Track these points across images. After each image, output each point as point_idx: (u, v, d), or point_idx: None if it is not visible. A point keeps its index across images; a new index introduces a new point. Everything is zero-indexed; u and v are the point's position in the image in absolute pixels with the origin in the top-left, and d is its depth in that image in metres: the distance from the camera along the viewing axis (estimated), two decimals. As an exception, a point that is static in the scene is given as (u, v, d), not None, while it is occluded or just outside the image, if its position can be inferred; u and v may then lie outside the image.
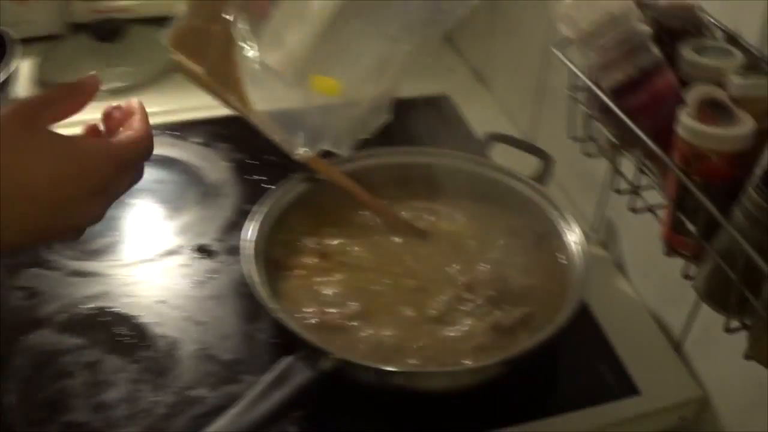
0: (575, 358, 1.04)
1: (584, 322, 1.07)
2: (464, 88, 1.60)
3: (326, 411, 0.95)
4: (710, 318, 0.92)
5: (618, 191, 0.89)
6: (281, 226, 1.08)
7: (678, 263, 0.95)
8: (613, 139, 0.87)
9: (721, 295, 0.74)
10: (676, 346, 1.05)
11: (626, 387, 1.00)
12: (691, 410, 1.00)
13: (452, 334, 0.96)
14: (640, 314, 1.11)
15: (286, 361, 0.87)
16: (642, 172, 0.86)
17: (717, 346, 0.97)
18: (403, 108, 1.08)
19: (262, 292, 0.94)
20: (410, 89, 1.36)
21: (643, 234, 1.10)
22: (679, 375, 1.02)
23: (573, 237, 1.06)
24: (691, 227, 0.76)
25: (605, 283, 1.14)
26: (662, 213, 0.84)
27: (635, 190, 0.87)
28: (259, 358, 1.00)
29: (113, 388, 0.95)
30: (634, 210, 0.88)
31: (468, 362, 0.92)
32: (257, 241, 1.02)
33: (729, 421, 0.97)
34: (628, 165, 0.91)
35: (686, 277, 0.79)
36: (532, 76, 1.38)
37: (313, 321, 0.96)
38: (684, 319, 1.03)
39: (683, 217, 0.77)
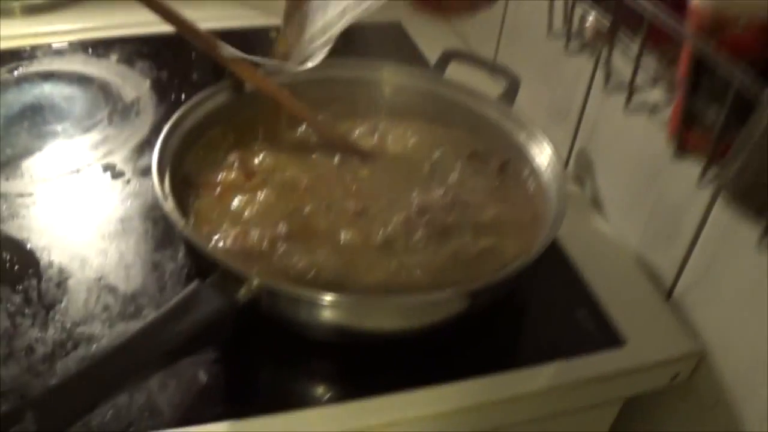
0: (548, 303, 0.89)
1: (558, 264, 0.92)
2: (417, 16, 1.43)
3: (244, 354, 0.80)
4: (708, 257, 0.79)
5: (608, 89, 0.73)
6: (198, 139, 0.91)
7: (667, 197, 0.82)
8: (605, 21, 0.71)
9: (755, 195, 0.58)
10: (667, 293, 0.90)
11: (609, 336, 0.85)
12: (686, 367, 0.85)
13: (404, 262, 0.80)
14: (621, 257, 0.96)
15: (193, 286, 0.71)
16: (637, 66, 0.70)
17: (716, 291, 0.83)
18: (350, 35, 0.98)
19: (169, 207, 0.77)
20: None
21: (622, 166, 0.95)
22: (671, 326, 0.87)
23: (544, 160, 0.91)
24: (710, 116, 0.60)
25: (581, 223, 0.99)
26: (667, 110, 0.68)
27: (631, 83, 0.71)
28: (166, 291, 0.84)
29: (-13, 321, 0.79)
30: (628, 107, 0.71)
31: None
32: (169, 155, 0.85)
33: (730, 381, 0.83)
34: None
35: (705, 182, 0.64)
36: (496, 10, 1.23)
37: (229, 242, 0.79)
38: (674, 261, 0.88)
39: (699, 106, 0.61)
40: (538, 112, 1.10)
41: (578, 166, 1.05)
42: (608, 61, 0.75)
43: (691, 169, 0.83)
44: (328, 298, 0.72)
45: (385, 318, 0.77)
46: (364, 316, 0.76)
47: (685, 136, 0.65)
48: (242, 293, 0.71)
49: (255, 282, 0.71)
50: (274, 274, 0.77)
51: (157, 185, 0.80)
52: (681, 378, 0.86)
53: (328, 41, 0.96)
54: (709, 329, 0.85)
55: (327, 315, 0.74)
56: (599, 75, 0.98)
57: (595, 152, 1.02)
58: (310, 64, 0.97)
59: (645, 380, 0.85)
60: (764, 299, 0.76)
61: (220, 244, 0.80)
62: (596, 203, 1.02)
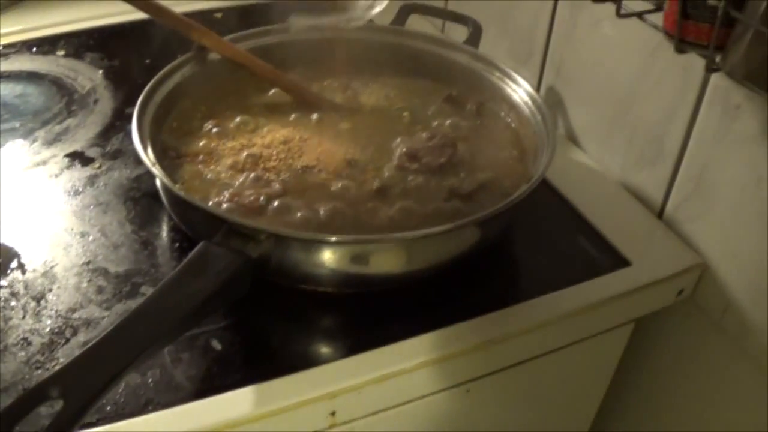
0: (549, 236, 0.88)
1: (550, 198, 0.92)
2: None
3: (255, 317, 0.77)
4: (697, 167, 0.80)
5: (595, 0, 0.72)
6: (170, 112, 0.89)
7: (646, 117, 0.85)
8: None
9: (766, 72, 0.58)
10: (658, 213, 0.90)
11: (613, 259, 0.85)
12: (690, 280, 0.85)
13: (404, 204, 0.79)
14: (608, 185, 0.96)
15: (201, 246, 0.68)
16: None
17: (709, 201, 0.83)
18: (295, 8, 0.96)
19: (160, 172, 0.75)
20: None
21: (594, 97, 0.96)
22: (669, 243, 0.88)
23: (522, 95, 0.90)
24: (711, 0, 0.60)
25: (561, 158, 0.98)
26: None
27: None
28: (160, 267, 0.81)
29: (-26, 319, 0.75)
30: (619, 15, 0.70)
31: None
32: (146, 127, 0.82)
33: (736, 289, 0.83)
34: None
35: (712, 70, 0.63)
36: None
37: (225, 204, 0.77)
38: (662, 180, 0.88)
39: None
40: (500, 57, 1.09)
41: (549, 104, 1.05)
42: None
43: (672, 80, 0.83)
44: (336, 239, 0.70)
45: (393, 259, 0.75)
46: (372, 257, 0.74)
47: (686, 28, 0.64)
48: (251, 247, 0.69)
49: (263, 234, 0.69)
50: (280, 225, 0.75)
51: (143, 155, 0.77)
52: (686, 293, 0.86)
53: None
54: (707, 241, 0.85)
55: (335, 260, 0.73)
56: (561, 11, 0.98)
57: (564, 88, 1.02)
58: (378, 9, 0.95)
59: (653, 298, 0.85)
60: (761, 197, 0.76)
61: (216, 207, 0.77)
62: (572, 138, 1.02)
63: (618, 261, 0.84)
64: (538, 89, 1.05)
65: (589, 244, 0.86)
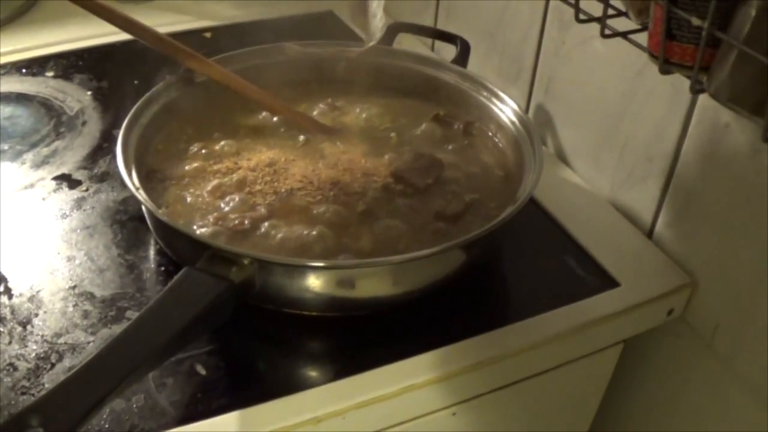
0: (536, 257, 0.88)
1: (538, 218, 0.92)
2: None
3: (239, 342, 0.77)
4: (686, 187, 0.79)
5: (580, 21, 0.72)
6: (157, 134, 0.90)
7: (635, 136, 0.86)
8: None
9: (750, 93, 0.58)
10: (648, 232, 0.90)
11: (601, 280, 0.84)
12: (680, 300, 0.85)
13: (390, 227, 0.79)
14: (597, 204, 0.95)
15: (183, 272, 0.68)
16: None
17: (698, 220, 0.83)
18: (284, 27, 1.01)
19: (144, 197, 0.74)
20: (290, 7, 1.28)
21: (583, 116, 0.95)
22: (659, 262, 0.87)
23: (510, 114, 0.89)
24: (695, 21, 0.59)
25: (550, 177, 0.98)
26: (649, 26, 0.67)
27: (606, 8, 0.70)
28: (146, 291, 0.81)
29: (-41, 346, 0.75)
30: (604, 36, 0.70)
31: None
32: (131, 151, 0.83)
33: (727, 307, 0.83)
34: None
35: (697, 91, 0.63)
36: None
37: (210, 228, 0.76)
38: (651, 199, 0.88)
39: (681, 13, 0.60)
40: (489, 75, 1.09)
41: (538, 123, 1.05)
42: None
43: (660, 99, 0.83)
44: (320, 264, 0.70)
45: (378, 282, 0.75)
46: (358, 281, 0.74)
47: (670, 48, 0.64)
48: (234, 273, 0.68)
49: (246, 259, 0.68)
50: (264, 250, 0.74)
51: (127, 180, 0.77)
52: (676, 313, 0.86)
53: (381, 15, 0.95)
54: (697, 260, 0.85)
55: (319, 284, 0.72)
56: (549, 30, 0.98)
57: (553, 107, 1.02)
58: (378, 35, 0.97)
59: (642, 318, 0.84)
60: (751, 215, 0.76)
61: (201, 231, 0.77)
62: (561, 157, 1.02)
63: (606, 281, 0.84)
64: (527, 107, 1.05)
65: (576, 265, 0.85)
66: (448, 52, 1.04)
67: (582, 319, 0.80)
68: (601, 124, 0.93)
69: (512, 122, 0.89)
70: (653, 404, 0.95)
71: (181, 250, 0.76)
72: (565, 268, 0.85)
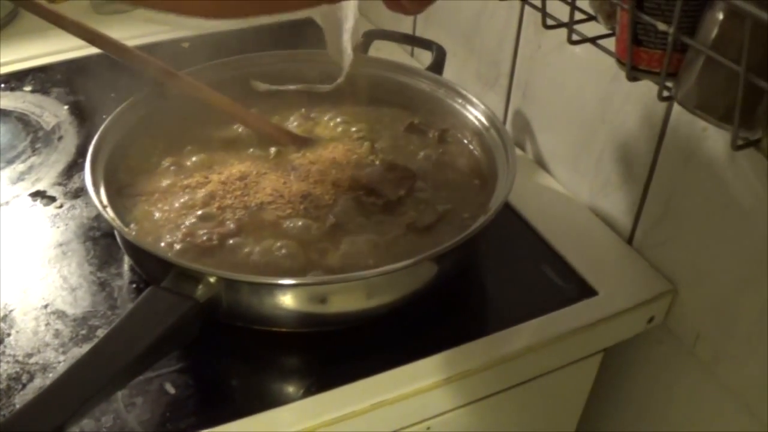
0: (513, 266, 0.87)
1: (515, 226, 0.91)
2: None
3: (209, 359, 0.76)
4: (665, 193, 0.78)
5: (548, 26, 0.71)
6: (129, 150, 0.89)
7: (613, 142, 0.85)
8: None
9: (719, 100, 0.56)
10: (628, 238, 0.89)
11: (579, 288, 0.83)
12: (660, 308, 0.84)
13: (360, 241, 0.78)
14: (576, 210, 0.94)
15: (147, 291, 0.67)
16: None
17: (678, 226, 0.82)
18: (263, 36, 0.99)
19: (111, 215, 0.74)
20: (270, 16, 1.20)
21: (562, 121, 0.94)
22: (638, 269, 0.86)
23: (484, 121, 0.88)
24: (661, 26, 0.58)
25: (528, 183, 0.97)
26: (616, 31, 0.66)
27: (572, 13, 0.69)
28: (117, 309, 0.80)
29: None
30: (571, 42, 0.69)
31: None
32: (101, 168, 0.82)
33: (708, 313, 0.81)
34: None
35: (664, 98, 0.62)
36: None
37: (178, 245, 0.75)
38: (630, 205, 0.87)
39: (647, 18, 0.59)
40: (466, 82, 1.08)
41: (516, 128, 1.04)
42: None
43: (636, 103, 0.82)
44: (287, 282, 0.69)
45: (350, 298, 0.74)
46: (327, 297, 0.73)
47: (637, 54, 0.63)
48: (200, 291, 0.68)
49: (212, 277, 0.68)
50: (231, 267, 0.73)
51: (94, 197, 0.76)
52: (657, 320, 0.85)
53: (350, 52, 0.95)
54: (677, 266, 0.84)
55: (288, 302, 0.71)
56: (525, 33, 0.97)
57: (531, 113, 1.01)
58: (346, 71, 0.97)
59: (622, 327, 0.83)
60: (731, 220, 0.75)
61: (168, 247, 0.76)
62: (540, 162, 1.01)
63: (585, 290, 0.83)
64: (505, 112, 1.04)
65: (554, 274, 0.84)
66: (428, 57, 1.03)
67: (560, 329, 0.79)
68: (578, 128, 0.92)
69: (486, 128, 0.88)
70: (636, 411, 0.94)
71: (149, 268, 0.76)
72: (542, 277, 0.84)
